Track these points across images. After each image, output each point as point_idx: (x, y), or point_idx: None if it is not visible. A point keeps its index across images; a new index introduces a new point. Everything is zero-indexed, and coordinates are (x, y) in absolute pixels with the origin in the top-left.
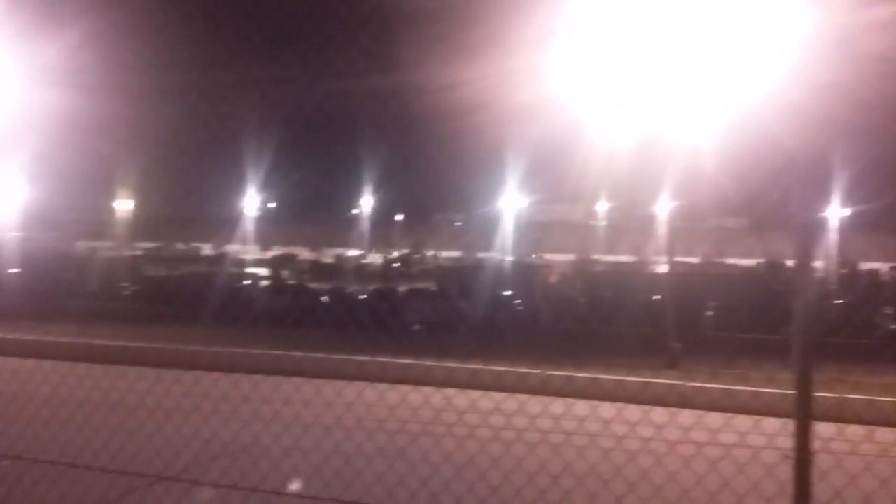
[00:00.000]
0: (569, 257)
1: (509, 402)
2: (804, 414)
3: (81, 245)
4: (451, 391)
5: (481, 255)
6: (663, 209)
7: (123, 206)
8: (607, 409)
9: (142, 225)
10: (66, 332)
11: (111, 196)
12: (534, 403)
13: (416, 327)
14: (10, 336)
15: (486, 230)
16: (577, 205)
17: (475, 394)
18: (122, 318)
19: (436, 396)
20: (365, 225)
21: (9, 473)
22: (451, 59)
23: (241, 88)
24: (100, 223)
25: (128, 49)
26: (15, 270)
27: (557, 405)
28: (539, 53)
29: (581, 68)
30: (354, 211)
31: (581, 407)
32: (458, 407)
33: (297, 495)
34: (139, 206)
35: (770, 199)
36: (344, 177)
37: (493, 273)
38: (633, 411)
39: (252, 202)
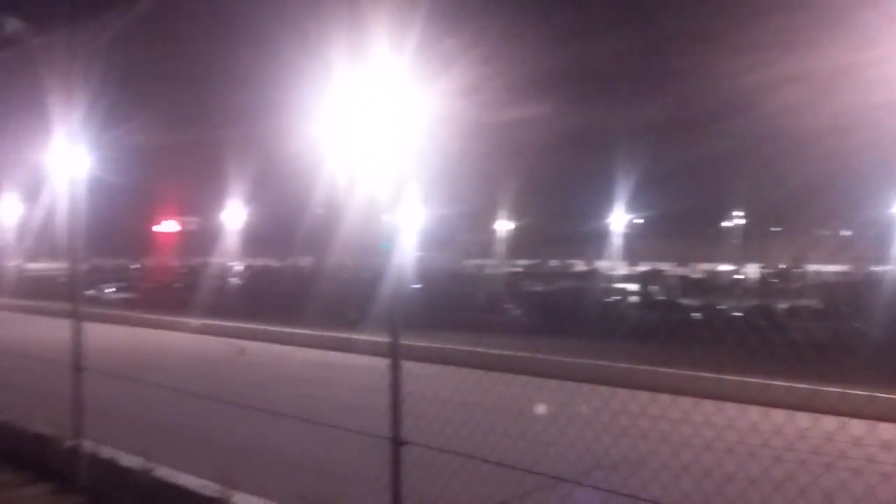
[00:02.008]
0: None
1: None
2: None
3: (469, 262)
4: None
5: (875, 268)
6: None
7: (504, 225)
8: None
9: (520, 243)
10: (462, 342)
11: (494, 217)
12: None
13: (801, 347)
14: (419, 344)
15: (880, 240)
16: None
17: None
18: (507, 329)
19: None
20: (737, 238)
21: (432, 463)
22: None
23: (611, 109)
24: (484, 242)
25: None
26: (416, 286)
27: None
28: None
29: None
30: (725, 224)
31: None
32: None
33: None
34: (517, 225)
35: None
36: (714, 188)
37: (893, 288)
38: None
39: (620, 218)
